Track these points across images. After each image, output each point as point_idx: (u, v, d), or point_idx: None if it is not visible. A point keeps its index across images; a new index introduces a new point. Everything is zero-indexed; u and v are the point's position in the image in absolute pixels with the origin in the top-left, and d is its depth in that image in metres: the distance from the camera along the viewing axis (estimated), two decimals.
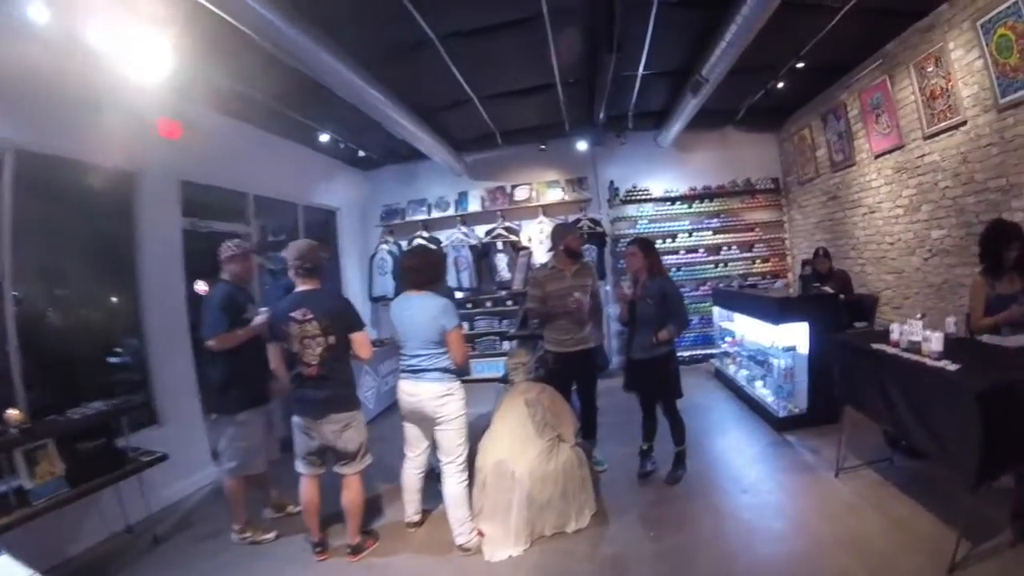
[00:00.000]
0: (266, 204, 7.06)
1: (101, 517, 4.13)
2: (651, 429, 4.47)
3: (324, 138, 7.12)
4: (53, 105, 4.05)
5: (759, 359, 5.82)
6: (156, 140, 4.90)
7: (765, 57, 5.72)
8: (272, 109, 6.14)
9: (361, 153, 8.03)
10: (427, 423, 3.62)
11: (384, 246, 8.84)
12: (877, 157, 6.00)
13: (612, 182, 8.54)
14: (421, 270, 3.57)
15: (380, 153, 8.53)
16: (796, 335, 5.15)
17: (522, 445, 3.62)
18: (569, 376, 4.49)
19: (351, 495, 3.57)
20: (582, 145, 8.13)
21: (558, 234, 4.57)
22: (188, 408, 5.18)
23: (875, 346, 3.57)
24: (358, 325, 3.50)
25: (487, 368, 8.21)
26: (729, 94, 6.85)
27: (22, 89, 3.83)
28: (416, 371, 3.53)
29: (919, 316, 3.39)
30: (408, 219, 8.96)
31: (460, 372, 3.64)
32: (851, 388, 3.90)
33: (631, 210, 8.53)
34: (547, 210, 8.60)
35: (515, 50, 5.30)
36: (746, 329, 6.39)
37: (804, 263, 7.78)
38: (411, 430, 3.75)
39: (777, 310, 5.19)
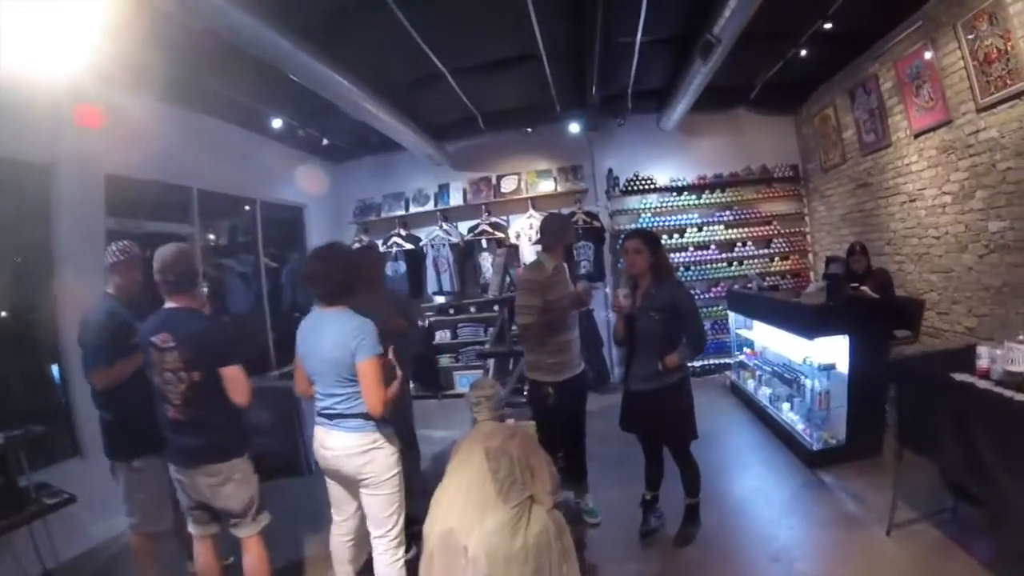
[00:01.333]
0: (220, 202, 6.24)
1: (15, 561, 3.38)
2: (656, 475, 3.53)
3: (277, 124, 6.21)
4: None
5: (786, 377, 4.88)
6: (76, 130, 4.29)
7: (785, 20, 4.84)
8: (215, 92, 5.31)
9: (325, 141, 7.10)
10: (352, 483, 2.72)
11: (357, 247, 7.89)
12: (918, 136, 5.06)
13: (610, 171, 7.59)
14: (328, 278, 2.57)
15: (350, 142, 7.62)
16: (834, 350, 4.22)
17: (479, 512, 2.68)
18: (566, 412, 3.60)
19: (251, 561, 2.79)
20: (575, 128, 7.19)
21: (560, 227, 3.64)
22: None
23: (957, 377, 2.65)
24: (229, 358, 2.61)
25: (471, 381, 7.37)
26: (742, 67, 5.94)
27: None
28: (330, 416, 2.61)
29: (1022, 338, 2.46)
30: (385, 215, 8.05)
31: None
32: (918, 429, 2.98)
33: (632, 202, 7.59)
34: (537, 203, 7.65)
35: (484, 8, 4.40)
36: (769, 339, 5.46)
37: (828, 261, 6.84)
38: (335, 489, 2.82)
39: (812, 320, 4.26)
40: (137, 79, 4.64)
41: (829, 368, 4.25)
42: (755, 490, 4.02)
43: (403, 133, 6.56)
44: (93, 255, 4.38)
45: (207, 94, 5.33)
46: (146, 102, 4.99)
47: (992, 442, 2.40)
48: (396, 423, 3.27)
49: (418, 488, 3.93)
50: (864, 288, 4.53)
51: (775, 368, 5.16)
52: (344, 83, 4.94)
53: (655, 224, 7.40)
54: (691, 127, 7.41)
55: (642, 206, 7.51)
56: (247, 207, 6.77)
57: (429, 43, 4.81)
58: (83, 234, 4.44)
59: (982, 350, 2.65)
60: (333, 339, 2.50)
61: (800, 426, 4.55)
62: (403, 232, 7.85)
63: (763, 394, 5.42)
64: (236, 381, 2.62)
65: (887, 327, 4.42)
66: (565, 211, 7.34)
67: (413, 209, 8.00)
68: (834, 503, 3.72)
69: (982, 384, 2.52)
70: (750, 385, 5.82)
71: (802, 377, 4.56)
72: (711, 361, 7.15)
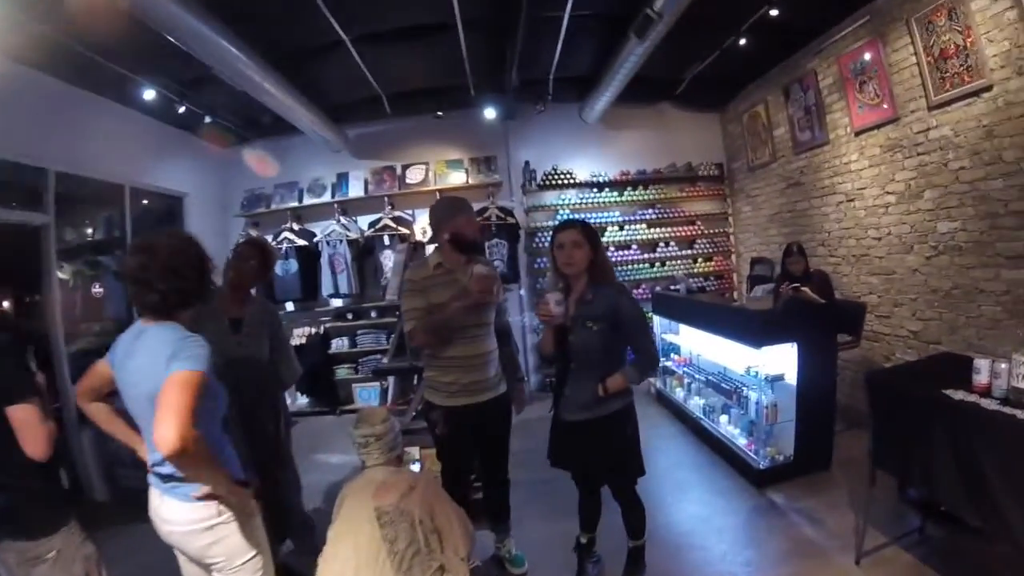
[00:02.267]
0: (87, 187, 5.18)
1: None
2: (593, 515, 2.92)
3: (150, 95, 5.10)
4: None
5: (723, 387, 4.47)
6: None
7: (729, 2, 4.57)
8: (70, 51, 4.21)
9: (208, 119, 6.05)
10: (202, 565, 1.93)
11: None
12: (859, 134, 4.85)
13: (527, 163, 7.02)
14: (147, 283, 1.76)
15: (238, 123, 6.61)
16: (780, 359, 3.85)
17: None
18: (471, 444, 2.96)
19: None
20: (490, 114, 6.53)
21: (443, 212, 2.85)
22: None
23: (955, 396, 2.25)
24: (13, 395, 1.80)
25: (373, 395, 6.58)
26: (673, 58, 5.63)
27: None
28: (162, 477, 1.81)
29: None
30: (276, 207, 7.04)
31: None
32: (898, 451, 2.58)
33: (550, 197, 7.05)
34: (447, 195, 6.90)
35: None
36: (699, 345, 5.08)
37: (754, 262, 6.65)
38: (187, 567, 2.04)
39: (759, 327, 3.86)
40: None
41: (777, 380, 3.88)
42: (701, 519, 3.53)
43: (297, 112, 5.67)
44: None
45: (65, 54, 4.24)
46: None
47: (1000, 467, 2.04)
48: (255, 447, 2.50)
49: (297, 521, 3.23)
50: (805, 290, 4.20)
51: (709, 377, 4.77)
52: (226, 45, 4.08)
53: None
54: (614, 120, 7.00)
55: (560, 202, 6.98)
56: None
57: (328, 2, 4.04)
58: None
59: (981, 364, 2.29)
60: (148, 367, 1.68)
61: (742, 441, 4.16)
62: (295, 226, 6.90)
63: (695, 405, 5.02)
64: (25, 426, 1.80)
65: (834, 333, 4.11)
66: (477, 206, 6.67)
67: (308, 200, 7.04)
68: (791, 529, 3.31)
69: (990, 405, 2.13)
70: (679, 394, 5.43)
71: (745, 388, 4.17)
72: None
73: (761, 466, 3.87)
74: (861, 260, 4.98)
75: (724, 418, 4.51)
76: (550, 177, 7.00)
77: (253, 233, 6.82)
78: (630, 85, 5.74)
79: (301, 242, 6.83)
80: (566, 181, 6.99)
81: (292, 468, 3.24)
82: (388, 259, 6.68)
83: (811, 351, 3.78)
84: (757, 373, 3.99)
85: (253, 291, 3.14)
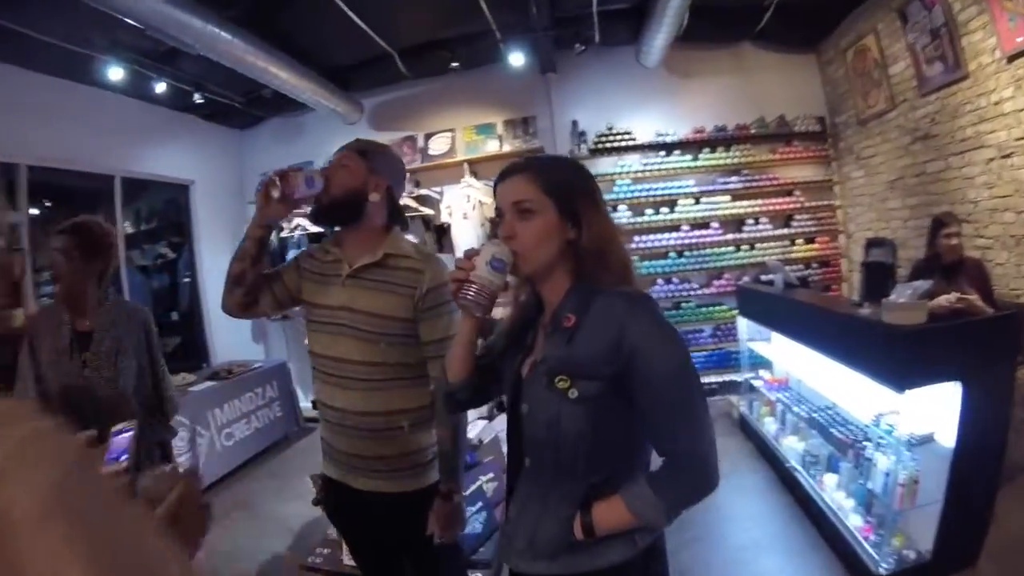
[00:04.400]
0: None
1: None
2: None
3: (117, 75, 4.42)
4: None
5: (834, 433, 3.09)
6: None
7: None
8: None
9: (198, 98, 5.22)
10: None
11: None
12: (1013, 59, 3.39)
13: (575, 124, 5.67)
14: None
15: (244, 101, 5.78)
16: (931, 407, 2.48)
17: None
18: (365, 544, 1.88)
19: None
20: (517, 59, 5.19)
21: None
22: None
23: None
24: None
25: None
26: None
27: None
28: None
29: None
30: None
31: None
32: None
33: (606, 164, 5.67)
34: (477, 167, 5.78)
35: None
36: (800, 363, 3.69)
37: (870, 244, 5.05)
38: None
39: (906, 357, 2.44)
40: None
41: (925, 441, 2.51)
42: None
43: (286, 79, 4.79)
44: None
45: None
46: None
47: None
48: None
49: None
50: (973, 298, 2.73)
51: (814, 413, 3.37)
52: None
53: (638, 195, 5.54)
54: (682, 64, 5.55)
55: (619, 170, 5.61)
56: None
57: None
58: None
59: None
60: None
61: (855, 520, 2.80)
62: (309, 208, 5.98)
63: (790, 448, 3.66)
64: None
65: (1011, 362, 2.64)
66: None
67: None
68: None
69: None
70: (767, 426, 4.06)
71: (868, 445, 2.79)
72: (712, 379, 5.36)
73: (882, 570, 2.53)
74: None
75: (831, 478, 3.14)
76: (604, 139, 5.64)
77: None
78: (697, 19, 4.58)
79: (315, 229, 5.92)
80: (625, 143, 5.61)
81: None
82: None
83: (981, 394, 2.37)
84: (892, 428, 2.60)
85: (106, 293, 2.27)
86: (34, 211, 4.50)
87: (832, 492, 3.09)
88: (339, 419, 1.68)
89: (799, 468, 3.48)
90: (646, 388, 1.14)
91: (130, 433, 1.20)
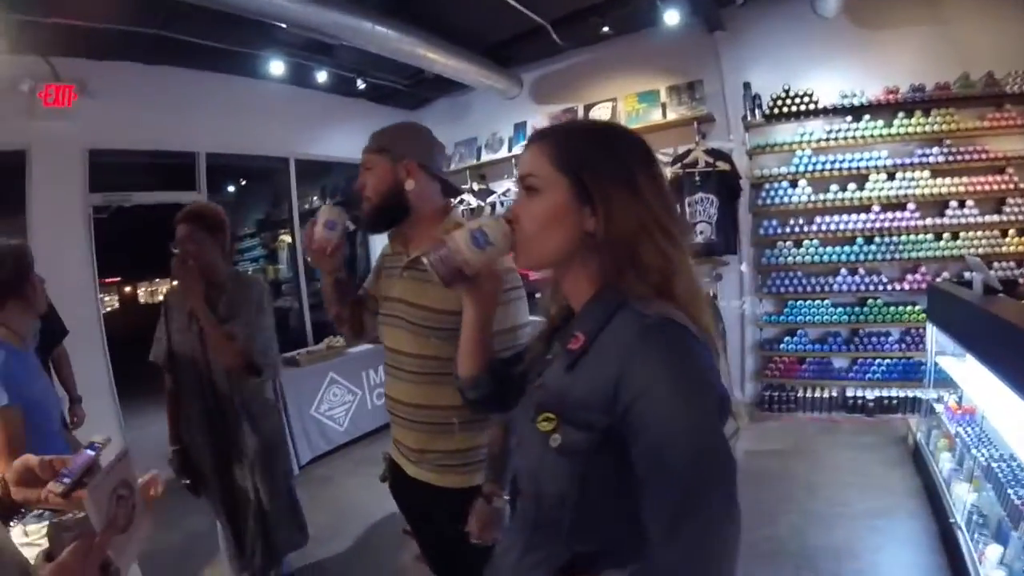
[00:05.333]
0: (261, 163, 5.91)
1: None
2: None
3: (278, 69, 4.98)
4: None
5: (1012, 496, 2.38)
6: (47, 109, 3.97)
7: None
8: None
9: (361, 84, 5.64)
10: None
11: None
12: None
13: (747, 86, 4.95)
14: None
15: (410, 83, 6.15)
16: None
17: None
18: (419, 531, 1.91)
19: None
20: (672, 17, 4.58)
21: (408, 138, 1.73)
22: None
23: None
24: None
25: None
26: None
27: None
28: None
29: None
30: (456, 167, 6.41)
31: None
32: None
33: (783, 133, 4.89)
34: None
35: None
36: (993, 396, 2.87)
37: None
38: None
39: None
40: (106, 45, 4.14)
41: None
42: None
43: (443, 62, 4.96)
44: (73, 238, 4.24)
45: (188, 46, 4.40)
46: (128, 68, 4.47)
47: None
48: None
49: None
50: None
51: (994, 463, 2.62)
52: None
53: (821, 168, 4.71)
54: (867, 13, 4.53)
55: (799, 138, 4.80)
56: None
57: None
58: (60, 215, 4.17)
59: None
60: None
61: None
62: (476, 187, 6.22)
63: (959, 498, 2.89)
64: None
65: None
66: (680, 149, 5.06)
67: (486, 157, 6.28)
68: None
69: None
70: (942, 462, 3.25)
71: None
72: (893, 392, 4.45)
73: None
74: None
75: (994, 550, 2.43)
76: (781, 103, 4.84)
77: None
78: None
79: (477, 204, 6.14)
80: (805, 107, 4.75)
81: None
82: None
83: None
84: None
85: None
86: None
87: (991, 569, 2.41)
88: (393, 408, 1.73)
89: (961, 526, 2.76)
90: (640, 460, 0.82)
91: (92, 453, 1.12)
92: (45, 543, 0.95)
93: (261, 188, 7.74)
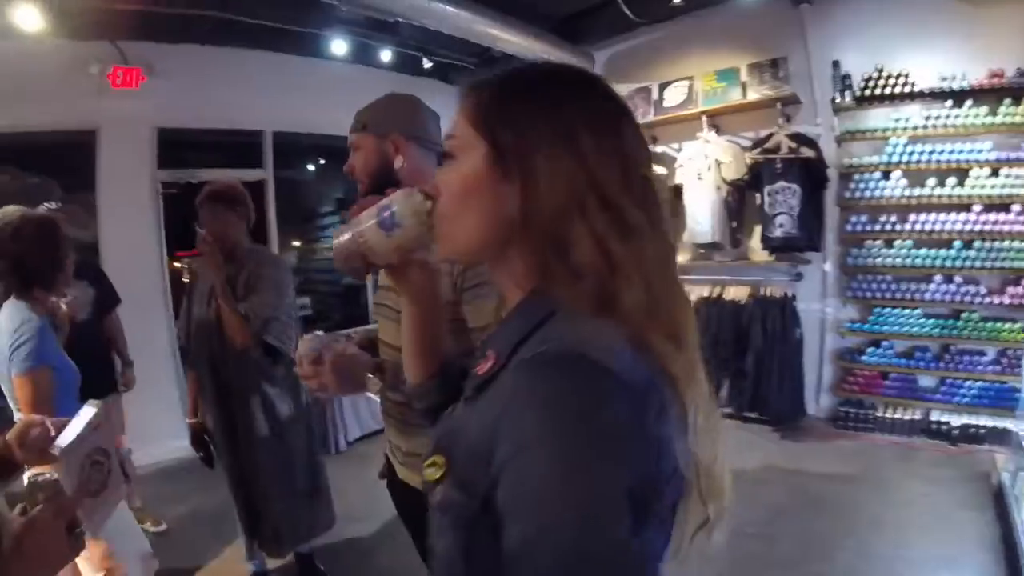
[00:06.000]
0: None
1: None
2: None
3: (340, 48, 4.95)
4: None
5: None
6: (116, 92, 4.13)
7: None
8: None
9: (426, 63, 5.58)
10: None
11: None
12: None
13: (837, 64, 4.44)
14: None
15: (477, 61, 5.98)
16: None
17: None
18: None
19: None
20: None
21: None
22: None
23: None
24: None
25: None
26: None
27: None
28: None
29: None
30: None
31: None
32: None
33: (876, 117, 4.36)
34: (719, 121, 5.00)
35: None
36: None
37: None
38: None
39: None
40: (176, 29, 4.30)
41: None
42: None
43: (510, 39, 4.80)
44: (141, 214, 4.47)
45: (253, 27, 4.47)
46: (192, 50, 4.57)
47: None
48: None
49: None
50: None
51: None
52: None
53: (918, 159, 4.17)
54: None
55: (893, 124, 4.27)
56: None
57: None
58: (128, 192, 4.39)
59: None
60: None
61: None
62: None
63: None
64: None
65: None
66: (762, 133, 4.68)
67: None
68: None
69: None
70: None
71: None
72: (981, 420, 3.92)
73: None
74: None
75: None
76: (874, 84, 4.30)
77: None
78: None
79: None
80: (900, 90, 4.20)
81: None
82: None
83: None
84: None
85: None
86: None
87: None
88: (388, 409, 1.58)
89: None
90: (505, 556, 0.55)
91: (87, 416, 1.13)
92: None
93: (339, 167, 7.87)
